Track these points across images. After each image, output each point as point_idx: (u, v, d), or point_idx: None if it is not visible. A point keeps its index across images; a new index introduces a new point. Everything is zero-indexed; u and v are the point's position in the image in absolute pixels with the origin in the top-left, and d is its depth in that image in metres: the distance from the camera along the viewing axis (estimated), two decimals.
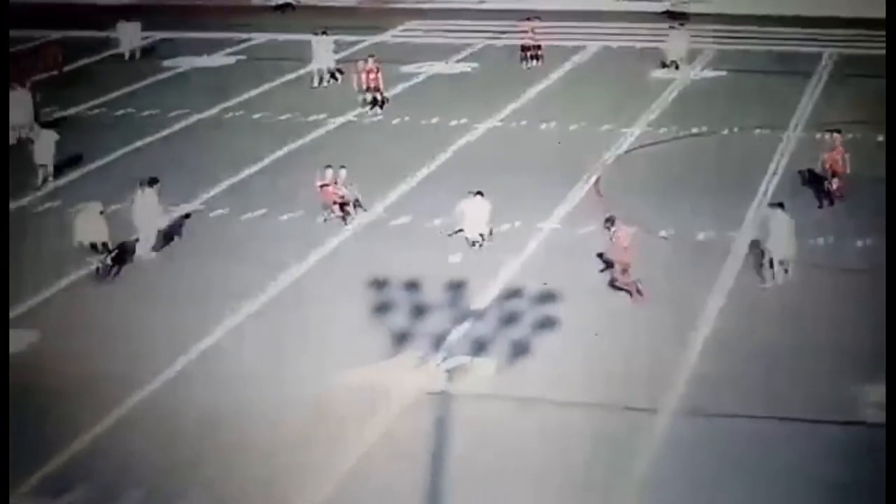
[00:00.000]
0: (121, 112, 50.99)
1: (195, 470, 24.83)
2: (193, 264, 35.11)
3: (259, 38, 63.94)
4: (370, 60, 49.85)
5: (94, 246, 33.79)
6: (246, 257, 35.21)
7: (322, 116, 48.88)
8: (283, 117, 49.28)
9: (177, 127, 48.66)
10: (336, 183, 36.91)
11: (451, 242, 34.80)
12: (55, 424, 26.69)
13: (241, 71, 57.73)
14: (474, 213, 34.68)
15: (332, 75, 53.78)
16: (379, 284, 32.62)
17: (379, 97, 49.54)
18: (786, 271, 32.22)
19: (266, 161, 43.78)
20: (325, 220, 37.08)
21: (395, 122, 48.59)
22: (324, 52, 53.63)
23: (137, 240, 35.08)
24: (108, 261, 34.01)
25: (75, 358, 29.70)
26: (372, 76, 49.29)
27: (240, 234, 37.22)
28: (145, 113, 50.47)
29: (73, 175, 42.64)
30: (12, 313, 31.58)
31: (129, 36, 58.99)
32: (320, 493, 24.07)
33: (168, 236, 36.45)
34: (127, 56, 58.89)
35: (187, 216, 37.66)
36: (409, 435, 25.93)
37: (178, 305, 32.37)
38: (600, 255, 33.10)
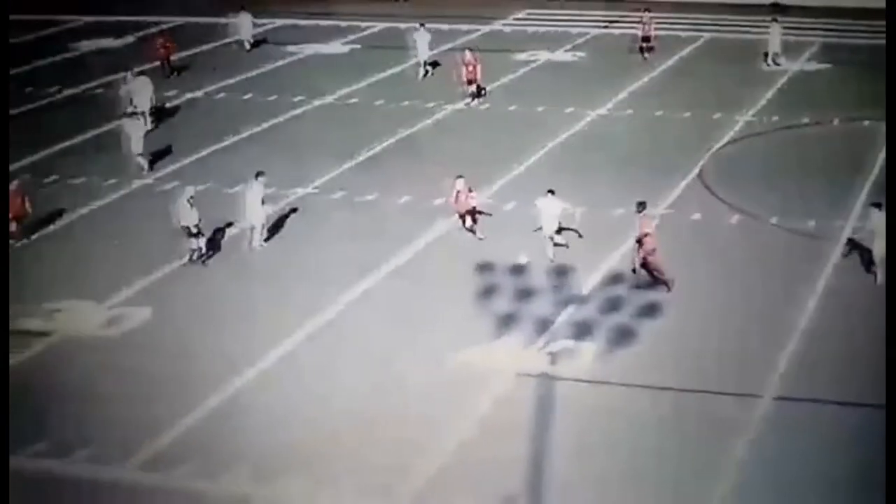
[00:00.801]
0: (246, 96, 51.27)
1: (301, 447, 24.82)
2: (306, 247, 35.15)
3: (377, 26, 63.92)
4: (468, 53, 49.58)
5: (186, 229, 33.86)
6: (357, 241, 35.19)
7: (432, 105, 48.74)
8: (393, 105, 49.21)
9: (296, 112, 48.75)
10: (470, 192, 35.34)
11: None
12: (166, 401, 26.85)
13: (354, 59, 57.65)
14: (548, 211, 33.80)
15: (430, 67, 53.48)
16: (485, 269, 32.43)
17: (476, 89, 49.14)
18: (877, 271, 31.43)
19: (378, 147, 43.73)
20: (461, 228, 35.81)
21: (504, 109, 48.35)
22: (423, 44, 53.38)
23: (253, 227, 34.97)
24: (199, 245, 33.97)
25: (186, 336, 29.91)
26: (470, 68, 48.95)
27: (352, 217, 37.19)
28: (270, 98, 50.70)
29: (192, 158, 42.94)
30: (128, 292, 31.93)
31: (245, 25, 58.94)
32: (424, 471, 23.95)
33: (279, 222, 36.48)
34: (248, 46, 58.92)
35: (294, 210, 37.53)
36: (512, 416, 25.71)
37: (289, 286, 32.46)
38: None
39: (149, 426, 25.69)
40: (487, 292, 31.39)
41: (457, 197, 34.99)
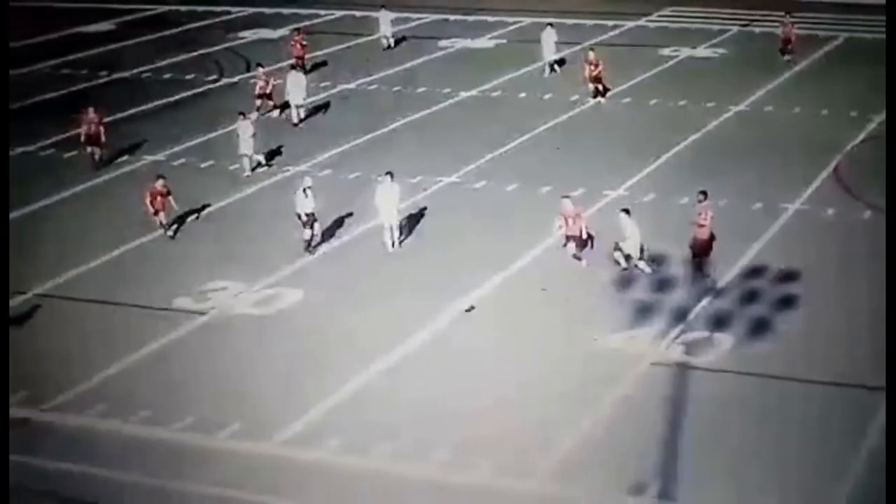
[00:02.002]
0: (396, 89, 51.47)
1: (446, 425, 24.93)
2: (450, 232, 35.30)
3: (524, 21, 63.64)
4: (591, 53, 49.10)
5: (299, 217, 33.91)
6: (499, 228, 35.20)
7: (574, 98, 48.45)
8: (536, 98, 49.05)
9: (445, 104, 48.82)
10: (577, 216, 32.59)
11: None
12: (317, 377, 27.15)
13: (498, 54, 57.41)
14: (627, 230, 32.13)
15: (557, 66, 53.06)
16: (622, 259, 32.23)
17: (601, 87, 48.45)
18: None
19: (519, 139, 43.64)
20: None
21: (646, 103, 47.96)
22: (549, 44, 52.77)
23: (391, 227, 34.41)
24: (311, 234, 33.83)
25: (336, 317, 30.17)
26: (593, 68, 48.39)
27: (494, 206, 37.19)
28: (419, 90, 50.88)
29: (344, 147, 43.22)
30: (277, 274, 32.34)
31: (385, 22, 58.62)
32: (559, 449, 23.97)
33: (422, 212, 36.66)
34: (387, 43, 58.45)
35: (423, 211, 37.56)
36: (646, 404, 25.56)
37: (433, 269, 32.66)
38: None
39: (297, 403, 25.99)
40: (625, 282, 31.23)
41: (566, 222, 32.71)
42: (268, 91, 46.58)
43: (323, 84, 51.54)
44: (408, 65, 55.30)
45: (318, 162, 41.64)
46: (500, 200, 37.69)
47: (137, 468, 23.73)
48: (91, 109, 41.54)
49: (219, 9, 68.16)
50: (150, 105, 49.16)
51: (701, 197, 31.73)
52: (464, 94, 49.95)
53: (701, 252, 31.43)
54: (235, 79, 53.31)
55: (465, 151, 42.01)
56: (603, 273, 31.64)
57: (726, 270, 31.64)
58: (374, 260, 33.58)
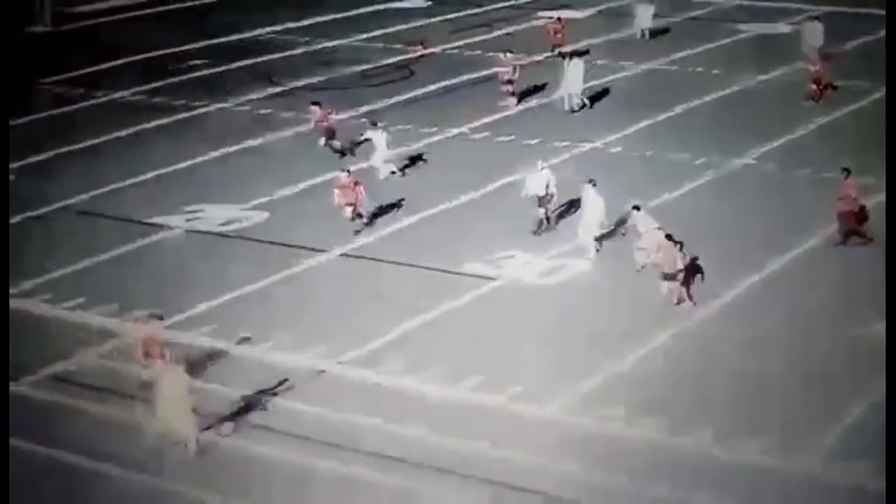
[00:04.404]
0: (699, 69, 50.68)
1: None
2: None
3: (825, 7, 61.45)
4: None
5: (535, 198, 33.35)
6: None
7: None
8: None
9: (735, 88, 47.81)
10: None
11: None
12: (598, 347, 27.09)
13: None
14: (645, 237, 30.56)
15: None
16: None
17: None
18: None
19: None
20: None
21: None
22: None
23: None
24: (544, 216, 33.13)
25: (622, 287, 29.98)
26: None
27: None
28: (714, 71, 49.92)
29: (634, 128, 42.74)
30: (568, 246, 32.24)
31: (645, 14, 56.37)
32: None
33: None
34: (645, 35, 56.19)
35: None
36: None
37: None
38: None
39: (577, 369, 25.92)
40: None
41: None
42: (514, 77, 45.39)
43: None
44: (713, 45, 54.10)
45: (614, 139, 41.39)
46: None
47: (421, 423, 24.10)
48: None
49: None
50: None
51: (845, 173, 31.62)
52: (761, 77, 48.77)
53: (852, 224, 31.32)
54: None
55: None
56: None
57: None
58: None
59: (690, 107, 44.89)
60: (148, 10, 63.51)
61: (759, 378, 25.54)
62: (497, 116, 44.11)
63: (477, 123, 43.33)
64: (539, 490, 21.88)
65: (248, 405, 24.60)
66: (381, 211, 34.76)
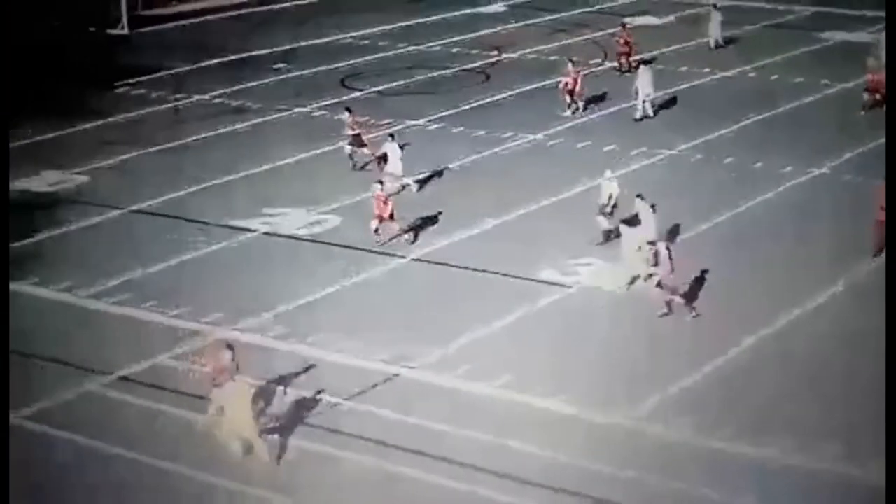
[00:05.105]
0: (774, 77, 50.18)
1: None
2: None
3: None
4: None
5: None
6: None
7: None
8: None
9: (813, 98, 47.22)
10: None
11: None
12: (675, 355, 26.77)
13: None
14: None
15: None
16: None
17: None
18: None
19: None
20: None
21: None
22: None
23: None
24: (607, 226, 32.55)
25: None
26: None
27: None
28: (796, 80, 49.38)
29: (708, 136, 42.33)
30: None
31: (714, 24, 55.42)
32: None
33: None
34: (713, 45, 55.26)
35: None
36: None
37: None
38: None
39: (658, 376, 25.61)
40: None
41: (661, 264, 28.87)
42: (577, 87, 44.65)
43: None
44: (790, 54, 53.55)
45: (692, 146, 40.96)
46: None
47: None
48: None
49: None
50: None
51: None
52: (839, 86, 48.11)
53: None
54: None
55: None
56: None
57: None
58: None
59: (769, 115, 44.38)
60: (230, 13, 64.21)
61: (844, 381, 25.29)
62: (571, 123, 43.80)
63: (552, 130, 43.06)
64: (608, 500, 21.55)
65: (320, 409, 24.49)
66: (426, 221, 34.52)
